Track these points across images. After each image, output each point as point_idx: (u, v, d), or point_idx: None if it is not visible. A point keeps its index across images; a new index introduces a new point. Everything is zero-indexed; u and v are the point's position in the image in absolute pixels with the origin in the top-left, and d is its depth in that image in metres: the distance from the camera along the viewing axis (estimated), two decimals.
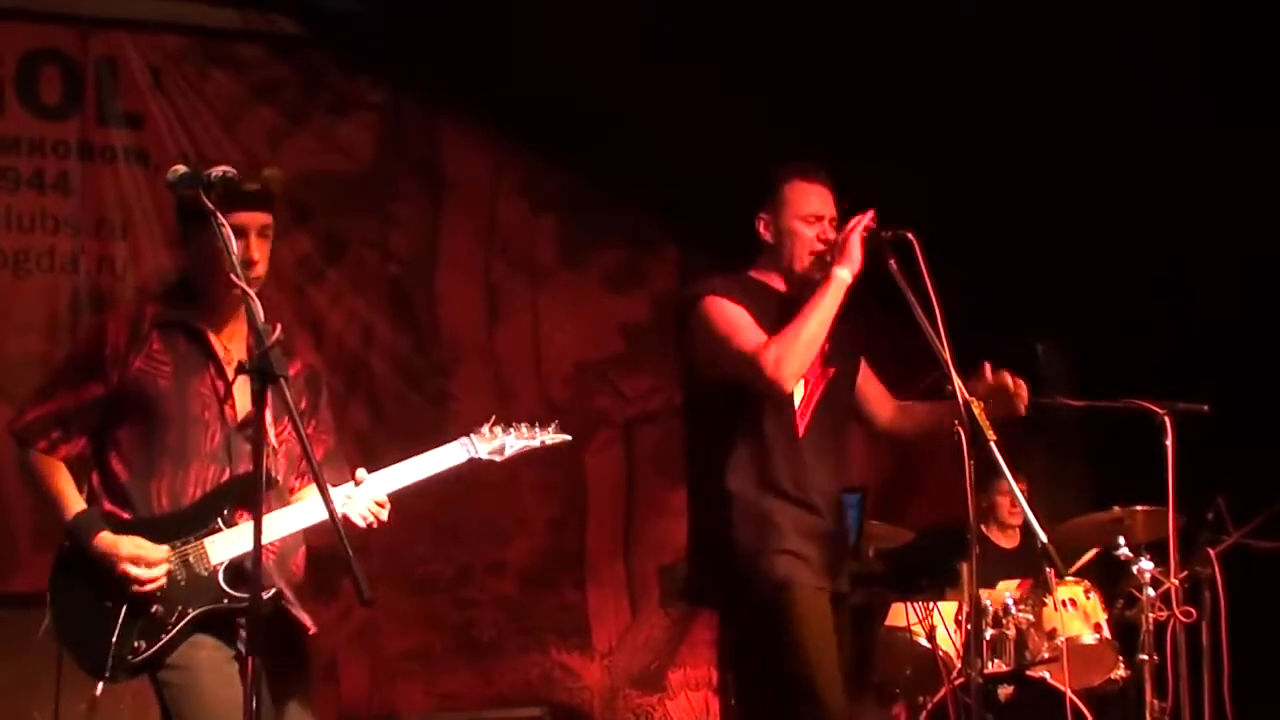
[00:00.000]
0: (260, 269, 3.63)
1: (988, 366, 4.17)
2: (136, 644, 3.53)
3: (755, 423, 4.16)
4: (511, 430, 3.95)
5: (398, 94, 7.45)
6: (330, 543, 3.17)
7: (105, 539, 3.56)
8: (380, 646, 7.14)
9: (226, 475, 3.64)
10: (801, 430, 4.20)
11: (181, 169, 3.42)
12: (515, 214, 7.66)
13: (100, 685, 3.55)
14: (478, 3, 6.63)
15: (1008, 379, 4.14)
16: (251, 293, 3.28)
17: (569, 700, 7.41)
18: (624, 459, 7.63)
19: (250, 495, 3.54)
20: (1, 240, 6.74)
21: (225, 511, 3.62)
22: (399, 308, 7.43)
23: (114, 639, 3.52)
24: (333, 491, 3.58)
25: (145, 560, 3.54)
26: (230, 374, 3.66)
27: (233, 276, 3.29)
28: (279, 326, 3.28)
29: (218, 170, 3.35)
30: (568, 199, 7.71)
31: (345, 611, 6.96)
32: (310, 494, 3.76)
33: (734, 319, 4.13)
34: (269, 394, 3.21)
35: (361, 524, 3.72)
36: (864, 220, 4.15)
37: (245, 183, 3.55)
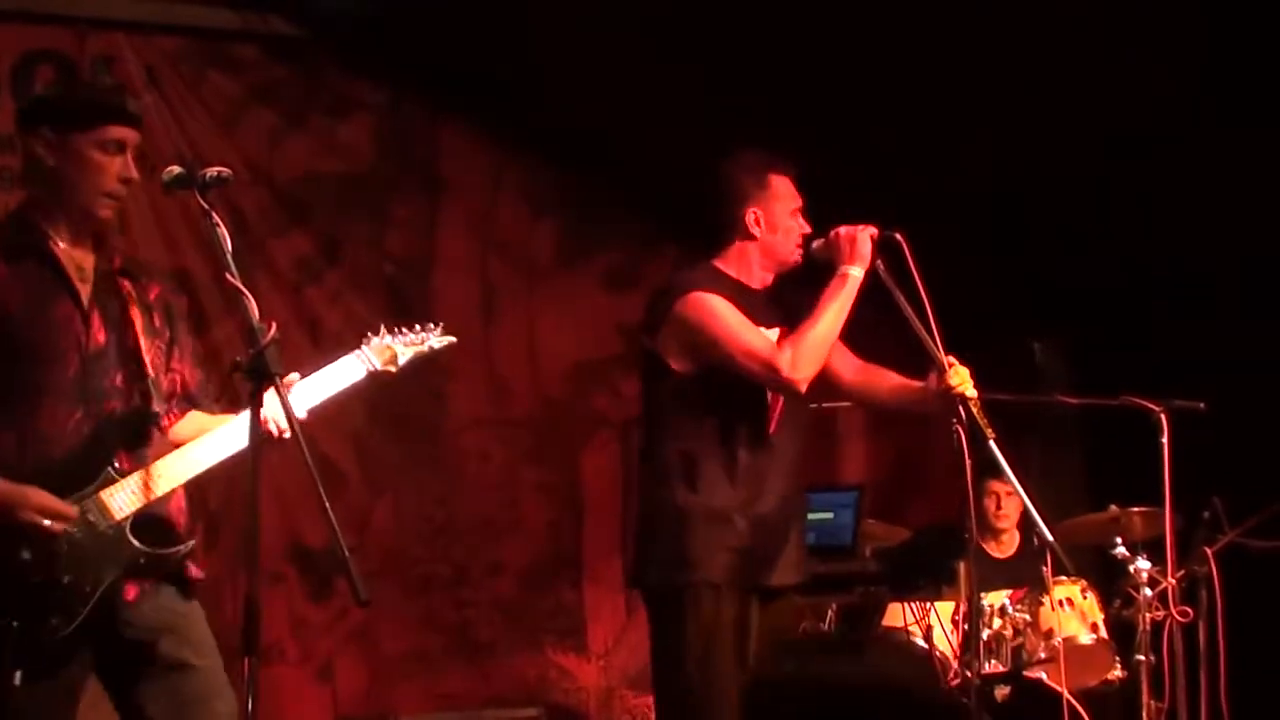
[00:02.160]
0: (129, 189, 3.49)
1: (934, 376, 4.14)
2: (53, 622, 3.24)
3: (727, 419, 4.16)
4: (399, 335, 3.78)
5: (396, 95, 7.44)
6: (327, 543, 3.13)
7: (6, 487, 3.25)
8: (377, 647, 7.13)
9: (80, 413, 3.38)
10: (773, 426, 4.21)
11: (176, 169, 3.39)
12: (513, 214, 7.66)
13: (18, 675, 3.21)
14: (475, 4, 6.63)
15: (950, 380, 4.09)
16: (246, 291, 3.26)
17: (565, 701, 7.41)
18: (621, 459, 7.62)
19: (134, 437, 3.40)
20: None
21: (114, 460, 3.37)
22: (397, 308, 7.42)
23: (20, 620, 3.21)
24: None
25: (53, 511, 3.26)
26: (85, 293, 3.44)
27: (228, 276, 3.27)
28: (275, 326, 3.28)
29: (213, 171, 3.33)
30: (566, 199, 7.70)
31: (342, 612, 6.97)
32: (197, 432, 3.51)
33: (731, 318, 4.11)
34: (265, 392, 3.16)
35: (274, 431, 3.46)
36: (868, 228, 4.15)
37: (128, 102, 3.52)
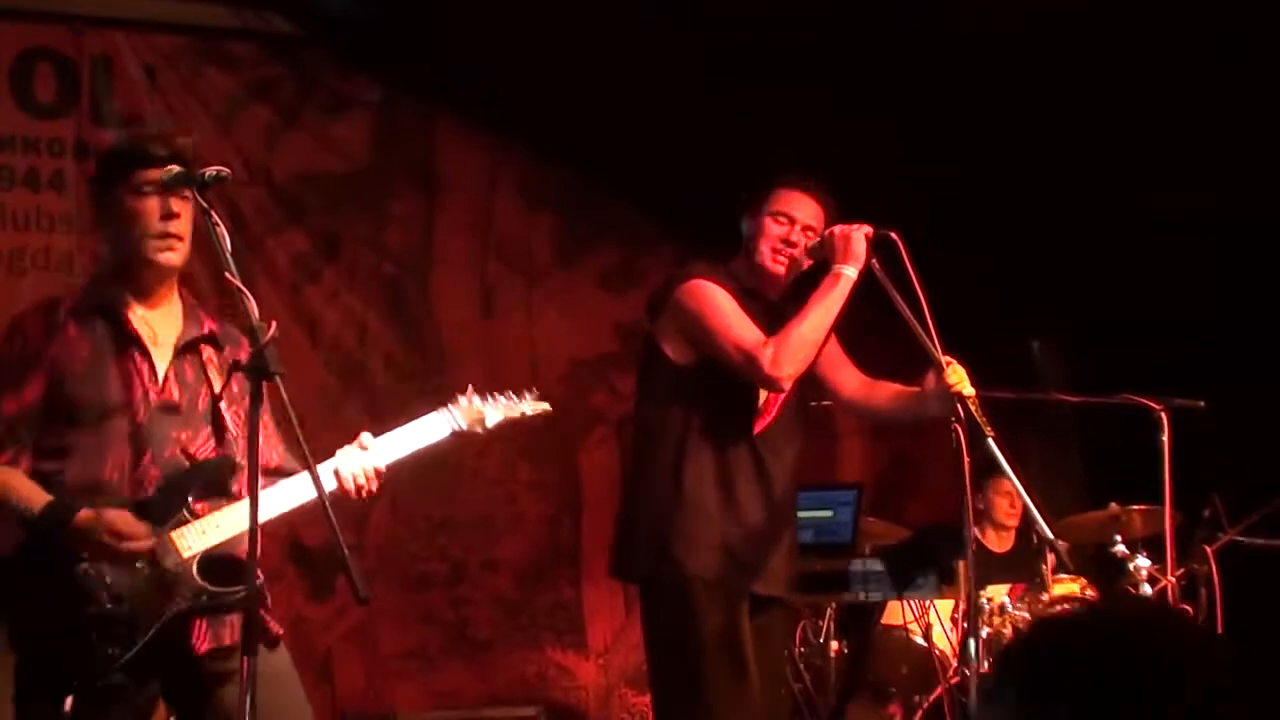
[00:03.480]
0: (178, 226, 3.47)
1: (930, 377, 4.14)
2: (111, 650, 3.28)
3: (715, 414, 4.17)
4: (489, 400, 3.79)
5: (393, 93, 7.43)
6: (326, 541, 3.13)
7: (88, 514, 3.32)
8: (376, 645, 7.13)
9: (147, 459, 3.43)
10: (760, 427, 4.21)
11: (175, 168, 3.39)
12: (511, 213, 7.65)
13: (70, 700, 3.26)
14: (473, 2, 6.62)
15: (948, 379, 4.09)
16: (246, 291, 3.25)
17: (564, 699, 7.41)
18: (619, 457, 7.62)
19: (214, 484, 3.46)
20: None
21: (189, 503, 3.42)
22: (395, 306, 7.43)
23: (90, 645, 3.26)
24: (331, 460, 3.52)
25: (129, 533, 3.33)
26: (154, 354, 3.48)
27: (228, 275, 3.26)
28: (274, 325, 3.28)
29: (211, 169, 3.33)
30: (563, 198, 7.70)
31: (341, 610, 6.97)
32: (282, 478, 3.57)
33: (726, 308, 4.13)
34: (266, 390, 3.19)
35: (351, 487, 3.57)
36: (863, 227, 4.15)
37: (157, 147, 3.49)
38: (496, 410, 3.78)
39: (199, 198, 3.30)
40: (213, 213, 3.27)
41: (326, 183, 7.31)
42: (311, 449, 3.27)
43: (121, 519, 3.34)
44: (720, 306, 4.14)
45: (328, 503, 3.12)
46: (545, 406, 3.89)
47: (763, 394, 4.21)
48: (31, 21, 6.81)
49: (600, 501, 7.58)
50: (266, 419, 3.54)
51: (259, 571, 3.35)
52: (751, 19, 5.97)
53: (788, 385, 4.13)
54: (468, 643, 7.32)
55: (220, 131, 7.00)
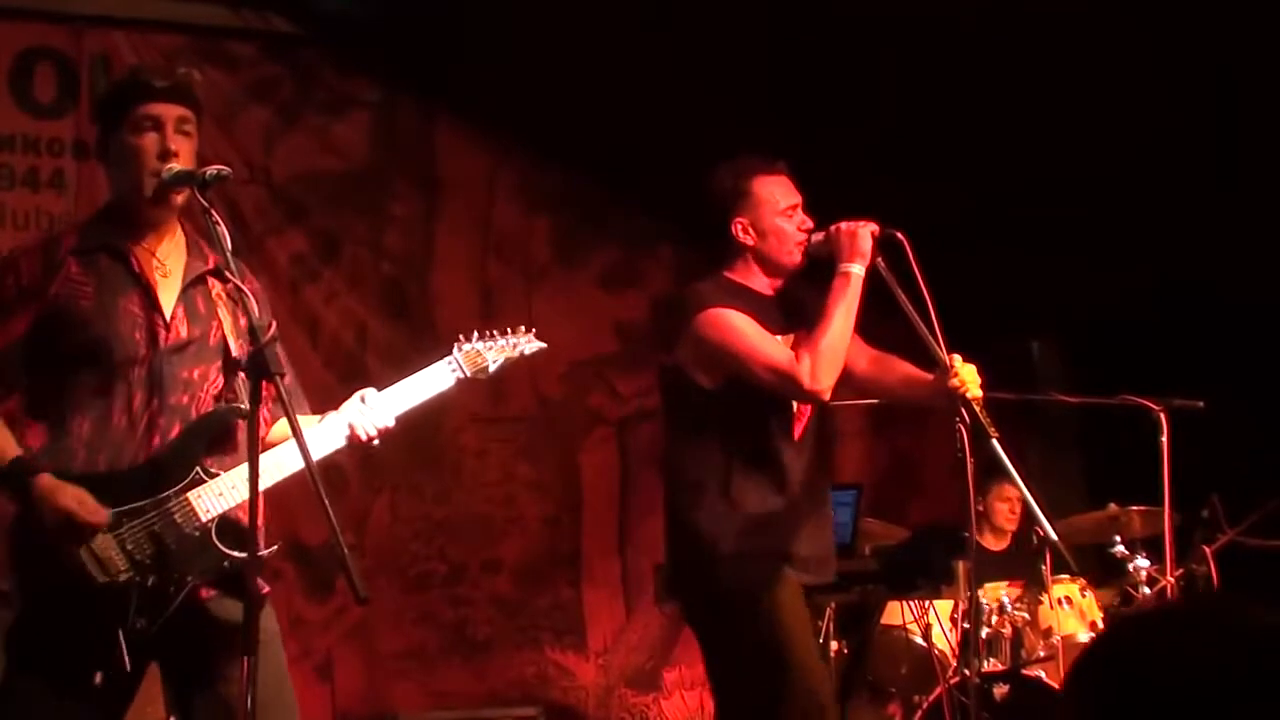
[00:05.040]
0: (179, 163, 3.37)
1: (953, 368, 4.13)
2: (138, 624, 3.21)
3: (757, 426, 4.13)
4: (489, 340, 3.74)
5: (392, 93, 7.44)
6: (326, 541, 3.11)
7: (48, 480, 3.22)
8: (375, 644, 7.14)
9: (155, 403, 3.34)
10: (798, 433, 4.19)
11: (175, 167, 3.36)
12: (510, 213, 7.66)
13: (99, 676, 3.20)
14: (473, 2, 6.63)
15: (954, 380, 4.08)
16: (247, 290, 3.24)
17: (564, 699, 7.41)
18: (618, 457, 7.62)
19: (222, 437, 3.38)
20: None
21: (203, 460, 3.34)
22: (394, 307, 7.43)
23: (113, 618, 3.19)
24: (340, 412, 3.51)
25: (91, 506, 3.21)
26: (161, 290, 3.40)
27: (228, 274, 3.25)
28: (274, 324, 3.26)
29: (212, 168, 3.30)
30: (563, 198, 7.71)
31: (340, 609, 6.97)
32: (284, 435, 3.45)
33: (750, 331, 4.07)
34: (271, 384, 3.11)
35: (363, 436, 3.51)
36: (868, 224, 4.12)
37: (156, 78, 3.43)
38: (497, 354, 3.74)
39: (200, 197, 3.27)
40: (213, 212, 3.24)
41: (326, 183, 7.31)
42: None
43: (79, 498, 3.23)
44: (744, 332, 4.08)
45: (328, 503, 3.10)
46: (542, 345, 3.85)
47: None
48: (31, 21, 6.81)
49: (600, 502, 7.59)
50: (289, 381, 3.44)
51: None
52: (753, 20, 5.98)
53: (828, 396, 4.10)
54: (467, 643, 7.32)
55: (220, 131, 7.00)
